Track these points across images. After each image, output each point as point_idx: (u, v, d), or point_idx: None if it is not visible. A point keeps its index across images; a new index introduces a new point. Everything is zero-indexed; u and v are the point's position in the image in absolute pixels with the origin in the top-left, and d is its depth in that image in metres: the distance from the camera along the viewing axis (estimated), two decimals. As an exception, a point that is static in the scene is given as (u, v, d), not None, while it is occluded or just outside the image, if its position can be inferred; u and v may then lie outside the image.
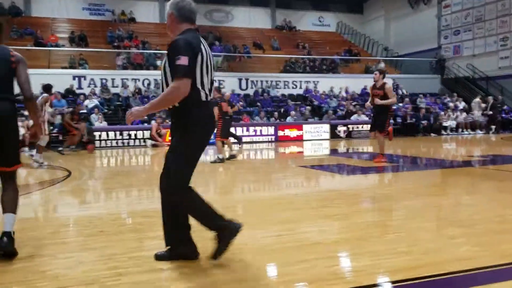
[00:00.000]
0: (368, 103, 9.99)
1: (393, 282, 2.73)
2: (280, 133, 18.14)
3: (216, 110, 9.50)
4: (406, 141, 16.62)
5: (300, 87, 22.72)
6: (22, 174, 8.58)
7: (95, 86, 19.13)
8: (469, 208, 4.99)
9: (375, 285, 2.69)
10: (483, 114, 20.78)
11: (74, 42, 22.42)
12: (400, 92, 23.35)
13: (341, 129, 19.02)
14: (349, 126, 19.14)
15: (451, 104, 21.86)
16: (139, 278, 2.84)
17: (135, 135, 16.06)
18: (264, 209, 5.18)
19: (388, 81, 22.39)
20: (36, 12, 25.32)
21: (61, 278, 2.88)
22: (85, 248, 3.56)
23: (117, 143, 15.84)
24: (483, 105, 21.07)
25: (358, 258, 3.28)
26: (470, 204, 5.21)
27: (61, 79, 17.83)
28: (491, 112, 20.58)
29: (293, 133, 18.39)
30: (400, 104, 21.03)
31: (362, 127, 19.14)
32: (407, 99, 21.49)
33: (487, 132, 20.21)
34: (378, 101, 9.04)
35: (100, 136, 15.64)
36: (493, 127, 20.48)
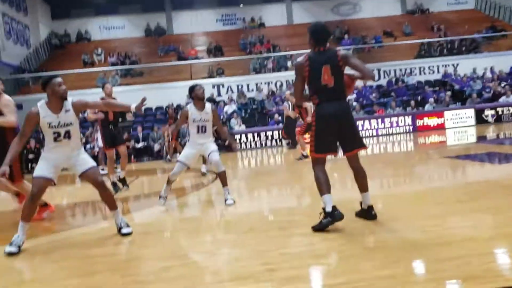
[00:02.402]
0: None
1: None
2: (419, 122, 17.27)
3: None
4: None
5: (438, 72, 21.37)
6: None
7: (232, 92, 20.30)
8: None
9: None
10: None
11: (211, 53, 24.02)
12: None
13: (489, 113, 17.42)
14: (497, 109, 17.45)
15: None
16: (290, 274, 3.03)
17: (271, 136, 16.67)
18: (406, 203, 5.06)
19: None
20: (177, 29, 27.70)
21: (221, 273, 3.20)
22: (238, 245, 3.88)
23: (255, 144, 16.62)
24: None
25: (517, 254, 3.07)
26: None
27: (202, 88, 19.25)
28: None
29: (433, 121, 17.37)
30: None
31: (514, 109, 17.34)
32: None
33: None
34: None
35: (239, 139, 16.56)
36: None
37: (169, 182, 6.04)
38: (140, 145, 16.64)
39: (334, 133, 4.06)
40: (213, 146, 6.04)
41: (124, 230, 4.59)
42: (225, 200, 5.83)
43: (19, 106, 20.03)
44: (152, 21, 27.37)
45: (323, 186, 4.03)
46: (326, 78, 4.00)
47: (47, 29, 26.80)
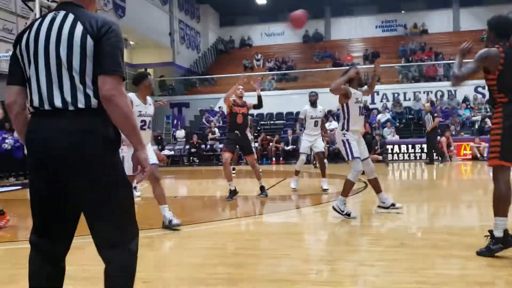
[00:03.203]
0: None
1: None
2: None
3: None
4: None
5: None
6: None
7: (387, 101, 19.59)
8: None
9: None
10: None
11: (367, 60, 23.56)
12: None
13: None
14: None
15: None
16: (448, 297, 2.77)
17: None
18: None
19: None
20: (334, 35, 27.79)
21: (370, 284, 3.06)
22: (388, 258, 3.68)
23: (409, 156, 15.77)
24: None
25: None
26: None
27: (355, 95, 19.06)
28: None
29: None
30: None
31: None
32: None
33: None
34: None
35: (392, 149, 15.90)
36: None
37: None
38: (289, 147, 17.05)
39: None
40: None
41: (174, 221, 4.90)
42: (392, 205, 5.64)
43: (186, 105, 22.13)
44: (311, 28, 27.86)
45: (503, 205, 3.51)
46: None
47: (215, 36, 29.12)
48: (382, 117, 17.78)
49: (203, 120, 20.04)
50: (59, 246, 2.10)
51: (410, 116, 18.52)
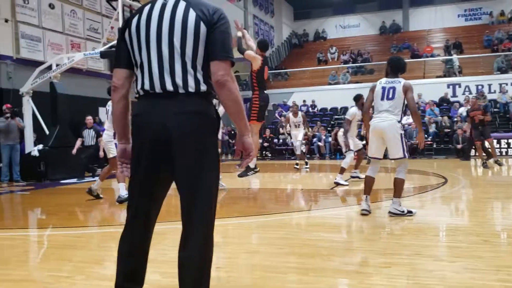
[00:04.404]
0: None
1: None
2: None
3: None
4: None
5: None
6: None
7: (470, 93, 18.50)
8: None
9: None
10: None
11: (448, 51, 22.39)
12: None
13: None
14: None
15: None
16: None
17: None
18: None
19: None
20: (413, 26, 26.67)
21: (448, 280, 2.91)
22: (469, 255, 3.49)
23: (501, 152, 14.80)
24: None
25: None
26: None
27: (435, 88, 18.25)
28: None
29: None
30: None
31: None
32: None
33: None
34: None
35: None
36: None
37: None
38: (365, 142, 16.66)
39: None
40: None
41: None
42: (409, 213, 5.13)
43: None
44: (388, 19, 26.98)
45: None
46: None
47: (288, 30, 29.06)
48: (464, 111, 16.80)
49: (276, 114, 20.12)
50: (149, 228, 2.16)
51: (495, 110, 17.33)
